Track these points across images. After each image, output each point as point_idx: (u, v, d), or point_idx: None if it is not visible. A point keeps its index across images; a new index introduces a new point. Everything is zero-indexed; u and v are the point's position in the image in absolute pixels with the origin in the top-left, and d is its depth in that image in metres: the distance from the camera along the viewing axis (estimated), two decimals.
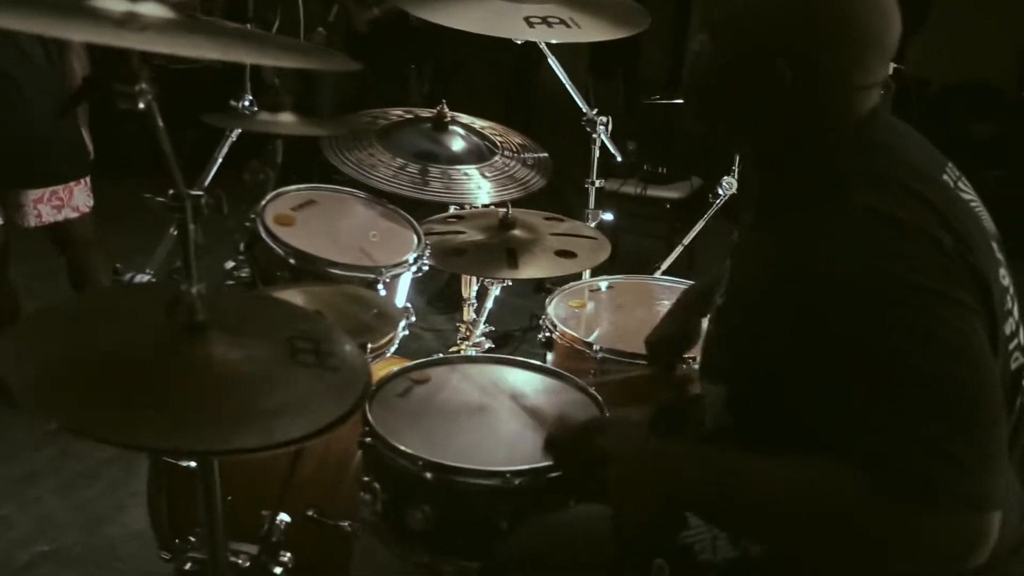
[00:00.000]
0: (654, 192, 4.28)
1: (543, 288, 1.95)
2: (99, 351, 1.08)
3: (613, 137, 2.43)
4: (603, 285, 2.24)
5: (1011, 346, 1.15)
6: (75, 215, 2.87)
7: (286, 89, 1.47)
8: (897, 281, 1.01)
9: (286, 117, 1.45)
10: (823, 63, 1.10)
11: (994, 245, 1.17)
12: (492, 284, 2.26)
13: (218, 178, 1.71)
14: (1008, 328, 1.14)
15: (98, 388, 0.99)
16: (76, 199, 2.88)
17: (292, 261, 1.63)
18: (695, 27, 6.28)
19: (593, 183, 2.45)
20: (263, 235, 1.65)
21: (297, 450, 1.61)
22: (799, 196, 1.13)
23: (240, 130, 1.60)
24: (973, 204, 1.18)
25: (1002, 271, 1.15)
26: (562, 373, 1.79)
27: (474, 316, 2.40)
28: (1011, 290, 1.16)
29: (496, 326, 2.51)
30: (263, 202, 1.71)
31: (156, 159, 1.11)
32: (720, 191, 2.50)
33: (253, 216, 1.68)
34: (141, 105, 1.24)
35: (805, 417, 1.05)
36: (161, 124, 1.26)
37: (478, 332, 2.36)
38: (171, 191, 1.27)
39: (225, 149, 1.59)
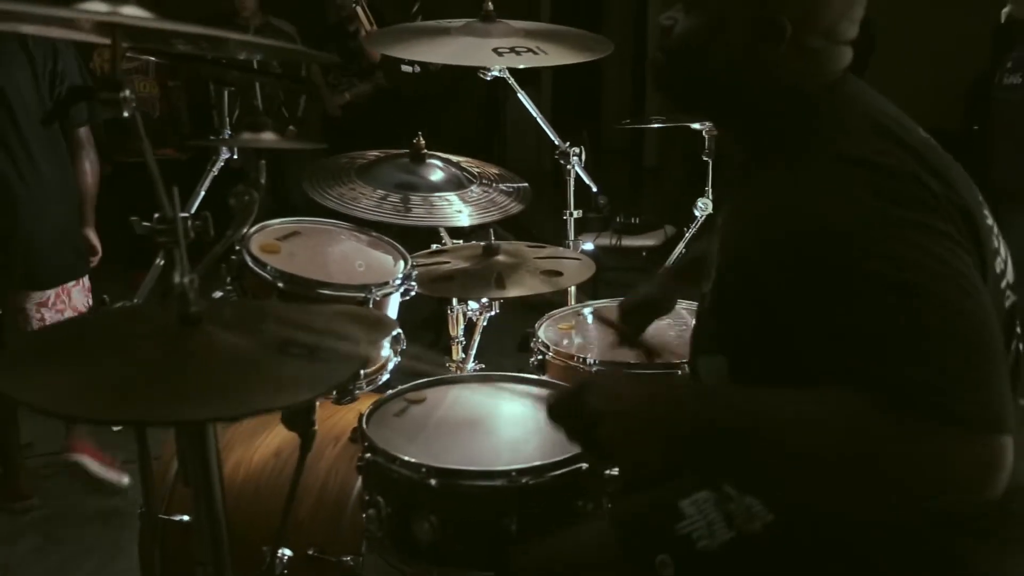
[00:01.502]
0: (629, 242, 4.34)
1: (527, 345, 1.95)
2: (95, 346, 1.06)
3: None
4: (590, 309, 2.24)
5: (1002, 284, 1.16)
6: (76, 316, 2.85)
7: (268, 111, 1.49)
8: (883, 216, 1.02)
9: (268, 136, 1.46)
10: (820, 13, 1.13)
11: (975, 187, 1.20)
12: (480, 316, 2.26)
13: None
14: (997, 266, 1.15)
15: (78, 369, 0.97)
16: (75, 300, 2.88)
17: (280, 285, 1.63)
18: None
19: (571, 213, 2.47)
20: (249, 262, 1.65)
21: (292, 486, 1.57)
22: (782, 152, 1.15)
23: (223, 162, 1.61)
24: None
25: (986, 211, 1.17)
26: (564, 385, 1.77)
27: (463, 355, 2.39)
28: (995, 230, 1.18)
29: (487, 366, 2.49)
30: (247, 232, 1.71)
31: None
32: (696, 212, 2.54)
33: (238, 247, 1.68)
34: (126, 113, 1.26)
35: (814, 365, 1.03)
36: (145, 136, 1.28)
37: (468, 369, 2.35)
38: (156, 214, 1.28)
39: (209, 179, 1.60)
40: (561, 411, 1.18)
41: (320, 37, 5.26)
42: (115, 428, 2.54)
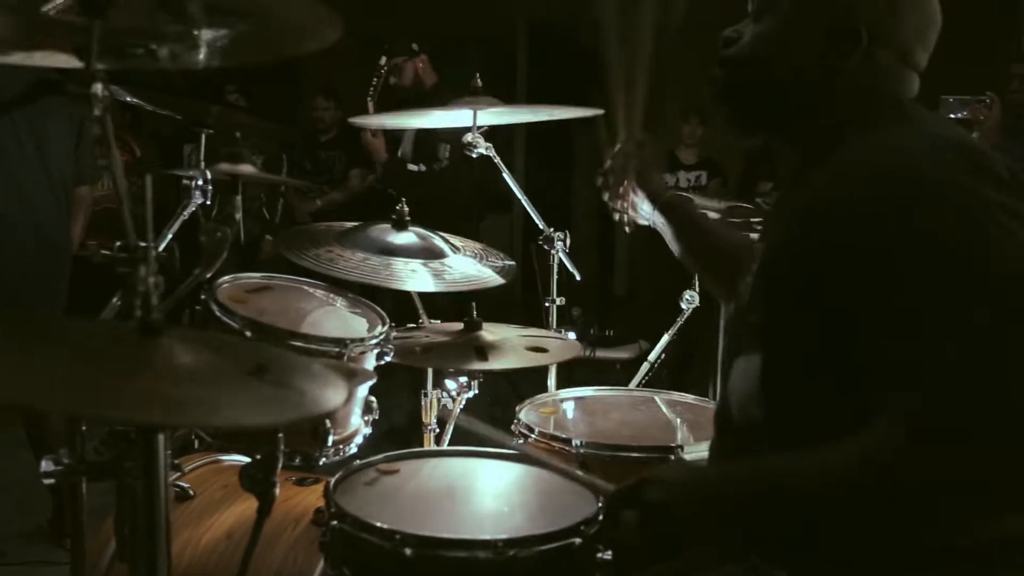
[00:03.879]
0: (603, 354, 4.25)
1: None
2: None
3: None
4: (572, 398, 2.13)
5: None
6: None
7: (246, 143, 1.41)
8: (958, 189, 0.95)
9: (246, 168, 1.38)
10: (896, 27, 1.10)
11: None
12: (457, 399, 2.12)
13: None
14: None
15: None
16: None
17: (248, 334, 1.50)
18: None
19: (553, 300, 2.39)
20: (216, 311, 1.52)
21: (245, 557, 1.40)
22: (844, 148, 1.08)
23: (194, 206, 1.51)
24: None
25: None
26: (546, 461, 1.63)
27: (435, 446, 2.23)
28: None
29: None
30: (216, 283, 1.59)
31: None
32: (683, 305, 2.47)
33: (203, 297, 1.56)
34: (96, 112, 1.16)
35: (862, 361, 0.95)
36: (112, 140, 1.18)
37: None
38: (118, 242, 1.17)
39: (179, 221, 1.50)
40: (620, 504, 1.14)
41: (291, 145, 5.29)
42: None
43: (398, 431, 3.48)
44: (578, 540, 1.32)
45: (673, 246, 1.54)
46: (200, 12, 0.99)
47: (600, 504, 1.39)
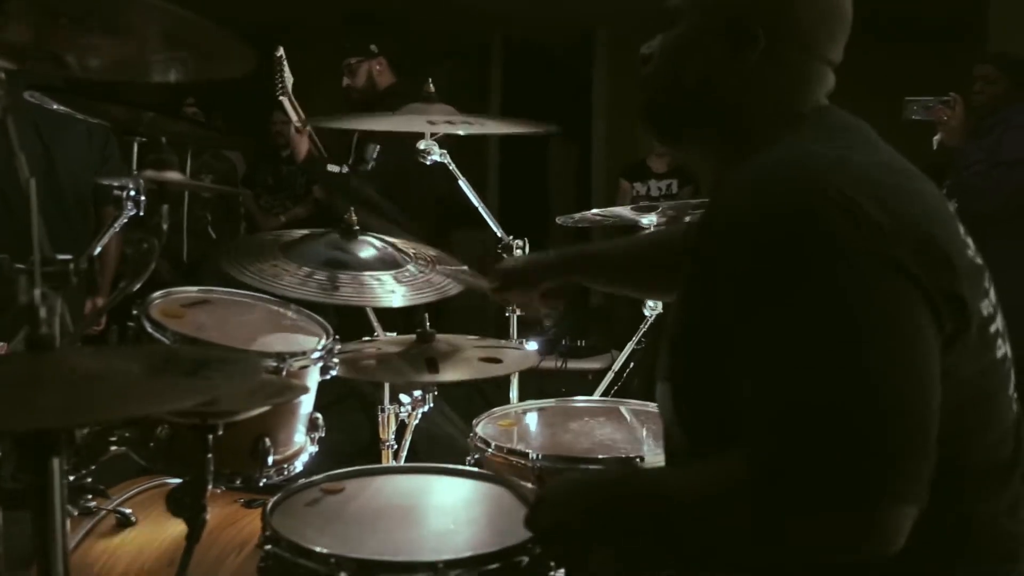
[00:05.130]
0: (575, 365, 4.20)
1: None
2: None
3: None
4: (534, 409, 2.07)
5: (991, 329, 1.03)
6: None
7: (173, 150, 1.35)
8: (812, 232, 0.91)
9: (172, 175, 1.31)
10: (793, 19, 1.07)
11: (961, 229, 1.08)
12: (412, 414, 2.06)
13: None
14: (985, 309, 1.02)
15: None
16: None
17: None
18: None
19: (514, 311, 2.33)
20: (147, 327, 1.45)
21: None
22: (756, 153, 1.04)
23: (126, 218, 1.44)
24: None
25: (970, 252, 1.05)
26: (496, 476, 1.57)
27: (393, 462, 2.17)
28: (987, 273, 1.06)
29: None
30: (149, 298, 1.52)
31: None
32: (646, 312, 2.41)
33: (135, 312, 1.49)
34: None
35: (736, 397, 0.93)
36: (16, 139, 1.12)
37: None
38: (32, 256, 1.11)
39: (109, 234, 1.43)
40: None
41: (254, 161, 5.22)
42: None
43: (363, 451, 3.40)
44: (526, 559, 1.26)
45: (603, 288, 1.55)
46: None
47: None
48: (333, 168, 3.33)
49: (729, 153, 1.11)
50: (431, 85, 2.12)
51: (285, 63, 3.03)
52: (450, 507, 1.45)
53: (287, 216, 5.01)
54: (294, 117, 3.21)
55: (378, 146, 2.90)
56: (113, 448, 1.26)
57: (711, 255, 0.98)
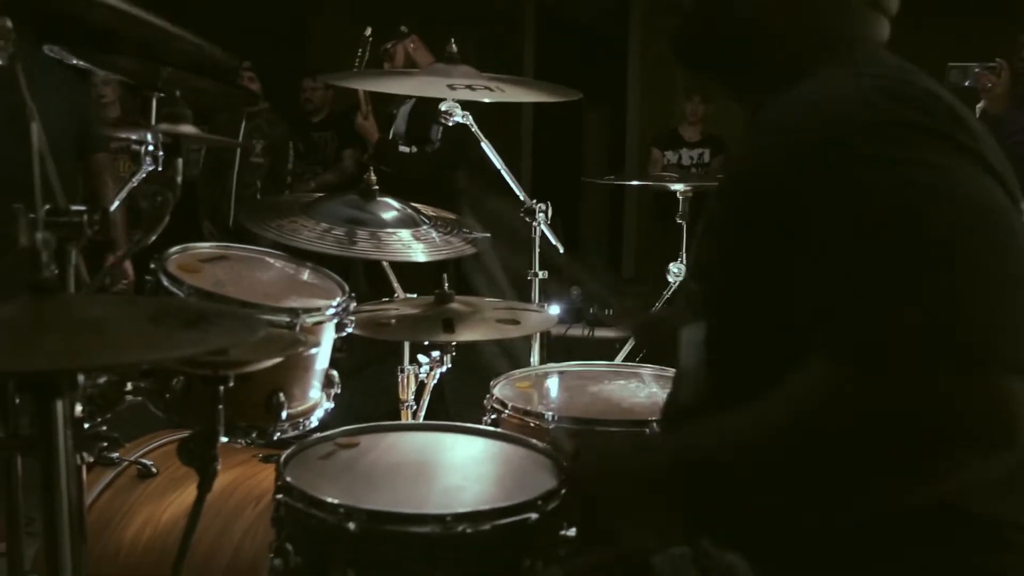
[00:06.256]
0: (602, 334, 4.17)
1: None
2: None
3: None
4: (553, 372, 2.06)
5: None
6: None
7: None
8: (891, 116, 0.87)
9: (187, 128, 1.31)
10: None
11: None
12: (430, 374, 2.06)
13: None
14: None
15: None
16: None
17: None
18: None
19: (536, 274, 2.32)
20: (164, 281, 1.46)
21: (187, 533, 1.34)
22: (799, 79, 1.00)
23: (144, 173, 1.45)
24: None
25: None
26: (510, 435, 1.57)
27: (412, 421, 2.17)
28: None
29: None
30: (167, 252, 1.53)
31: None
32: (670, 278, 2.39)
33: (153, 267, 1.50)
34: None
35: (798, 314, 0.88)
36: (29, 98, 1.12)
37: None
38: (47, 206, 1.12)
39: (127, 188, 1.44)
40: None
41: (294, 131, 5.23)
42: None
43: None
44: (534, 515, 1.26)
45: None
46: None
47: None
48: (404, 149, 3.40)
49: (764, 81, 1.06)
50: (453, 45, 2.10)
51: (369, 44, 3.06)
52: (462, 464, 1.45)
53: (317, 182, 5.03)
54: (364, 108, 3.29)
55: (442, 127, 2.93)
56: (129, 398, 1.27)
57: (764, 185, 0.92)
